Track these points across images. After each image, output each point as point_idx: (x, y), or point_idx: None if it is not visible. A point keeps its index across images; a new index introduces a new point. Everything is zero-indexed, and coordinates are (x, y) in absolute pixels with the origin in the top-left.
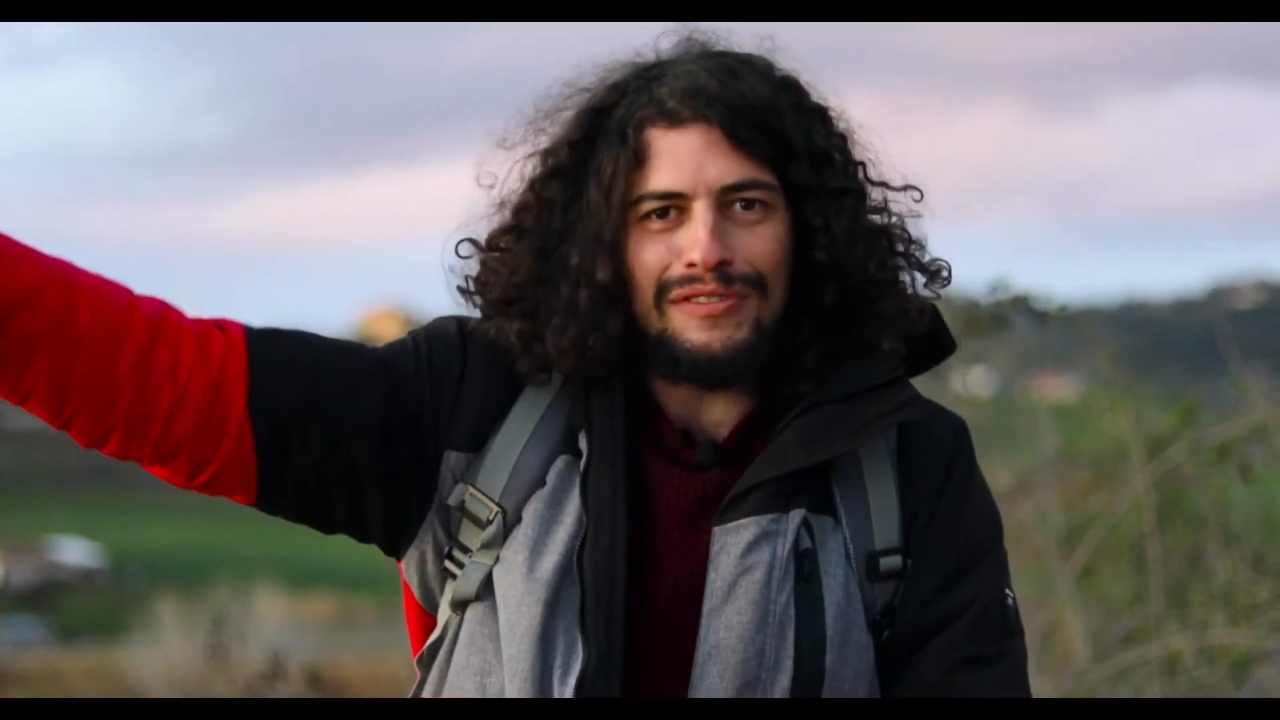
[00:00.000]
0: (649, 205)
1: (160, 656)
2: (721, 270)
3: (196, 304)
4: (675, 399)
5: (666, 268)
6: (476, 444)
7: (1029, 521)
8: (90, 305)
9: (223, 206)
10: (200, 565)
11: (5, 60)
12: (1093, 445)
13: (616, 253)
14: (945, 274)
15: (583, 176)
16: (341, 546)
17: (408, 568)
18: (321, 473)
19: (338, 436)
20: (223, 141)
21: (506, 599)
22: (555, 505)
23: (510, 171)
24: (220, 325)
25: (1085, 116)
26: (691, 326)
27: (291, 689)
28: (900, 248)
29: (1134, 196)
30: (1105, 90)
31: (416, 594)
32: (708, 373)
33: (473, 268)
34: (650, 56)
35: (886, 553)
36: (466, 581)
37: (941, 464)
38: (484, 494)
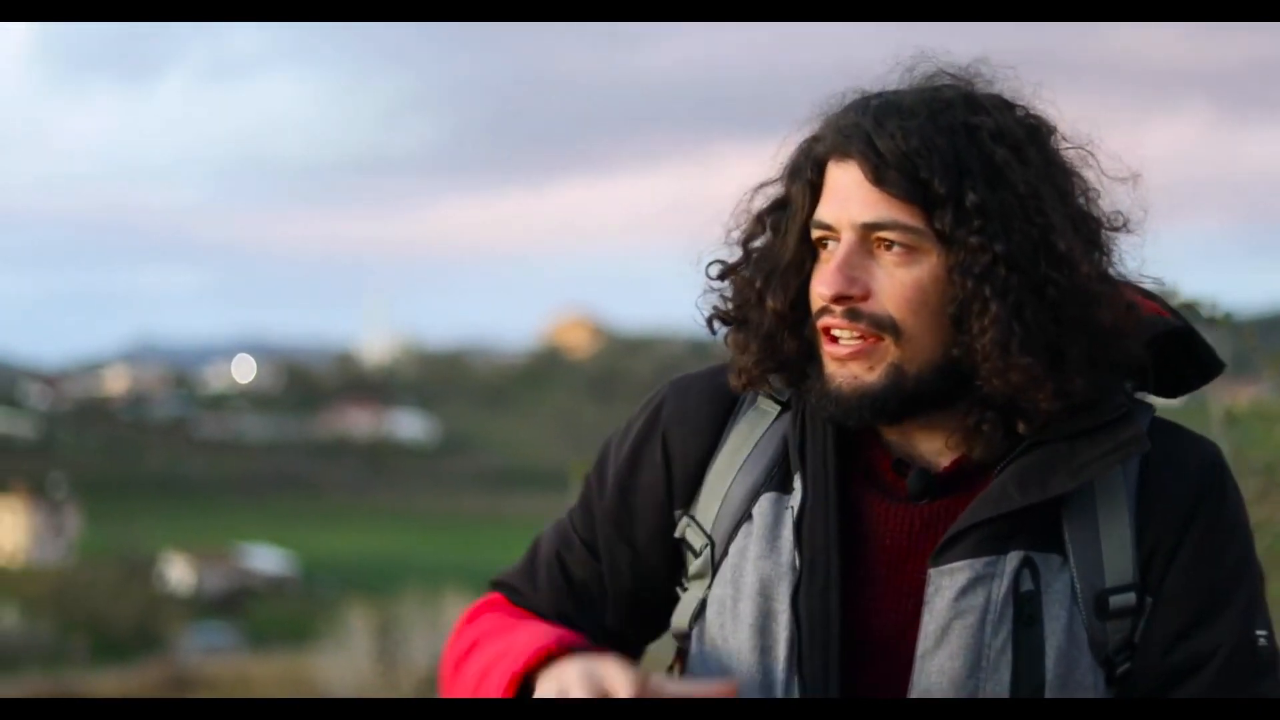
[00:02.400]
0: (816, 234)
1: (348, 663)
2: (846, 305)
3: (389, 311)
4: (891, 427)
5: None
6: (693, 490)
7: None
8: None
9: (416, 216)
10: (390, 572)
11: (205, 71)
12: (1262, 453)
13: (795, 279)
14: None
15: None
16: None
17: None
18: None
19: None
20: (417, 151)
21: (724, 639)
22: (769, 547)
23: (742, 202)
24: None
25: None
26: (829, 362)
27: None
28: (1051, 325)
29: None
30: None
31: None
32: (832, 411)
33: (714, 299)
34: (875, 86)
35: (1118, 590)
36: (682, 613)
37: (1187, 498)
38: (699, 524)
